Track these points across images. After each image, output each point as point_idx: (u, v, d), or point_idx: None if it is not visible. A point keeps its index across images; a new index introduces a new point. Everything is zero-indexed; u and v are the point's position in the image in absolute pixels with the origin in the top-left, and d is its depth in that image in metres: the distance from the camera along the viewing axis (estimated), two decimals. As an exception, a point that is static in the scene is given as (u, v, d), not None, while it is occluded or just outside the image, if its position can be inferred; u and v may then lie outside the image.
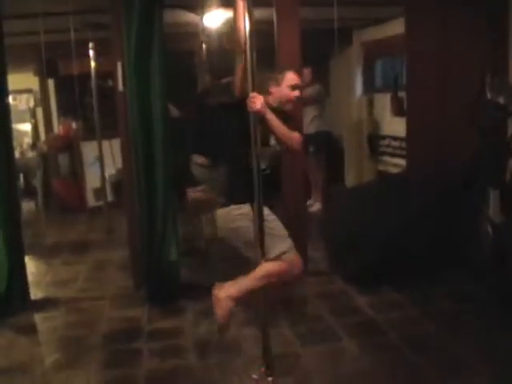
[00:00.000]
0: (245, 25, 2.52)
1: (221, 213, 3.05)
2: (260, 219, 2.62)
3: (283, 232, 2.94)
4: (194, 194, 5.13)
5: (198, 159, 4.93)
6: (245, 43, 2.53)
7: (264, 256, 2.69)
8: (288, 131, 2.87)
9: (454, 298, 3.84)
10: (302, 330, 3.46)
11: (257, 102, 2.60)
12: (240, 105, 2.69)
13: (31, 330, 3.72)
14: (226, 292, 2.79)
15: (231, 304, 2.78)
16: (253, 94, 2.60)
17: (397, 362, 3.03)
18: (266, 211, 2.78)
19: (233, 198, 2.99)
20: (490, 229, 4.03)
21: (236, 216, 2.94)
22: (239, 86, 2.80)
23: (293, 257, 2.89)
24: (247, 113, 2.61)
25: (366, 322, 3.57)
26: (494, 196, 4.00)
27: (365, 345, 3.24)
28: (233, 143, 3.03)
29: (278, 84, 3.04)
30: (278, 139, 2.91)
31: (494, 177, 4.01)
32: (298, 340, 3.35)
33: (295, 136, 2.94)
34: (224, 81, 4.92)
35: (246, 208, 2.90)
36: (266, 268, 2.72)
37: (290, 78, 3.05)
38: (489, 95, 3.89)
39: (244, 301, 2.88)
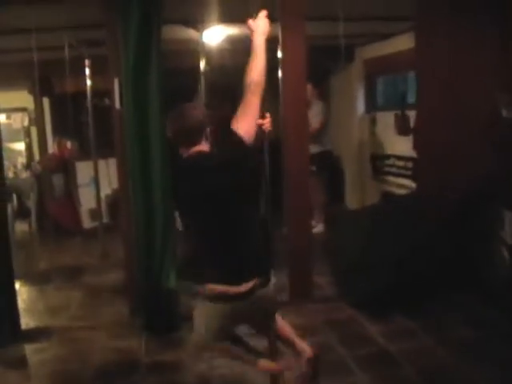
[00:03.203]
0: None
1: None
2: None
3: None
4: None
5: None
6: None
7: None
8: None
9: (470, 324, 3.63)
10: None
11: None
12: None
13: (21, 363, 3.49)
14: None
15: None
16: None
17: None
18: None
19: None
20: (505, 252, 3.85)
21: None
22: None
23: None
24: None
25: (378, 352, 3.36)
26: (509, 218, 3.82)
27: (378, 378, 3.04)
28: None
29: None
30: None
31: (508, 198, 3.83)
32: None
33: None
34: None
35: None
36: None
37: None
38: (504, 112, 3.74)
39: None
